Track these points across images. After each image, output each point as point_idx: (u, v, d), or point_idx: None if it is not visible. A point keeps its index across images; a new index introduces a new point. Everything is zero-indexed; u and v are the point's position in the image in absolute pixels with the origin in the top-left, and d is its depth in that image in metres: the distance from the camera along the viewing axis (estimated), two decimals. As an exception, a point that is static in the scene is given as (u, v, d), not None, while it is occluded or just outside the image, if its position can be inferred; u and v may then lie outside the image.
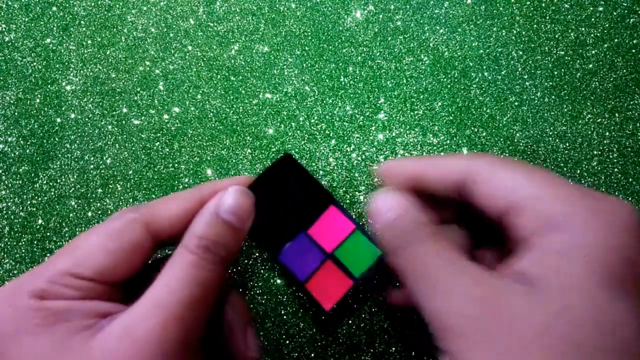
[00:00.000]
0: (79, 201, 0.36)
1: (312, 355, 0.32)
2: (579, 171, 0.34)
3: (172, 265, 0.21)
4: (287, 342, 0.32)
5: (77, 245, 0.22)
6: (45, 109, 0.37)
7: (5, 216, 0.36)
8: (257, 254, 0.33)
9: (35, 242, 0.35)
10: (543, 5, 0.37)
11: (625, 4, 0.36)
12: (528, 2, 0.37)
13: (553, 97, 0.35)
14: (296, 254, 0.29)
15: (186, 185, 0.35)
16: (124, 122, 0.37)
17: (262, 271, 0.33)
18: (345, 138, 0.35)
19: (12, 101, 0.38)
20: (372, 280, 0.32)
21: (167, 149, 0.36)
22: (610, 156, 0.34)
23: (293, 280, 0.29)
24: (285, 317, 0.33)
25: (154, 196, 0.35)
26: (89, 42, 0.38)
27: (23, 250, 0.35)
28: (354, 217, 0.30)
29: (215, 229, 0.22)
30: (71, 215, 0.35)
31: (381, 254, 0.28)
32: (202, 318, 0.21)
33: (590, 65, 0.35)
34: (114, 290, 0.22)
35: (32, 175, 0.36)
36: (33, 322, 0.19)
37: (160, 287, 0.20)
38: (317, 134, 0.35)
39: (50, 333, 0.19)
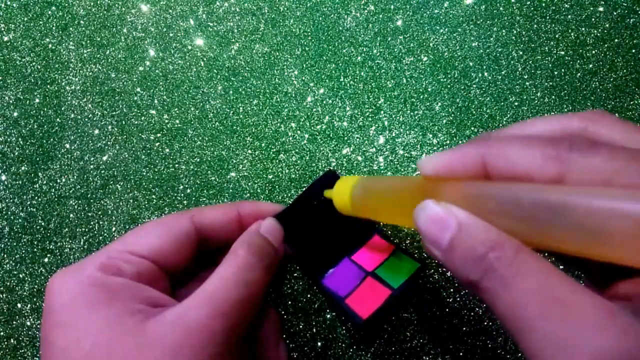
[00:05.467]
0: (79, 201, 0.36)
1: (312, 355, 0.32)
2: (578, 171, 0.34)
3: (224, 266, 0.23)
4: (287, 342, 0.32)
5: (133, 231, 0.25)
6: (45, 109, 0.37)
7: (5, 216, 0.36)
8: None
9: (35, 242, 0.35)
10: (543, 5, 0.36)
11: (625, 4, 0.36)
12: (528, 2, 0.37)
13: (553, 97, 0.35)
14: (339, 276, 0.30)
15: (186, 186, 0.35)
16: (124, 122, 0.37)
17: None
18: (345, 138, 0.35)
19: (11, 101, 0.38)
20: (410, 292, 0.32)
21: (167, 149, 0.36)
22: (610, 156, 0.34)
23: (333, 299, 0.29)
24: (285, 317, 0.33)
25: (154, 196, 0.35)
26: (89, 42, 0.38)
27: (23, 251, 0.35)
28: (391, 237, 0.31)
29: (258, 240, 0.26)
30: (71, 215, 0.35)
31: (419, 266, 0.29)
32: (246, 317, 0.23)
33: (590, 65, 0.35)
34: (165, 281, 0.25)
35: (32, 175, 0.36)
36: (91, 296, 0.21)
37: (212, 284, 0.22)
38: (317, 134, 0.35)
39: (106, 309, 0.21)
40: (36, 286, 0.35)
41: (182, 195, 0.35)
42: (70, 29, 0.38)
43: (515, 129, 0.20)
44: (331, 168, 0.35)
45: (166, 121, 0.36)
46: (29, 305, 0.34)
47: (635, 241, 0.13)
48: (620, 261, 0.14)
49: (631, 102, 0.35)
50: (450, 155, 0.19)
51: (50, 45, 0.38)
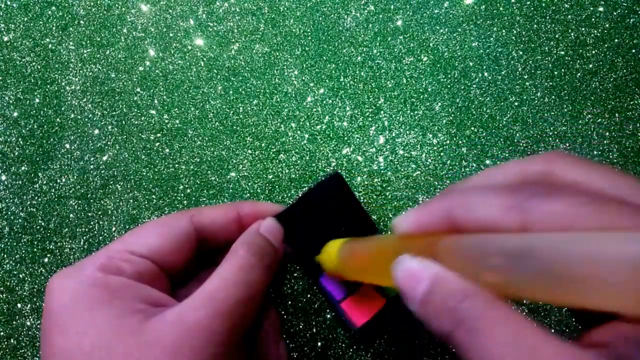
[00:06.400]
0: (79, 201, 0.36)
1: (312, 355, 0.32)
2: (578, 171, 0.34)
3: (224, 267, 0.23)
4: (287, 342, 0.32)
5: (133, 231, 0.25)
6: (45, 109, 0.37)
7: (5, 216, 0.36)
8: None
9: (35, 242, 0.35)
10: (543, 5, 0.36)
11: (625, 4, 0.36)
12: (528, 2, 0.37)
13: (553, 97, 0.35)
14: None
15: (186, 186, 0.35)
16: (124, 122, 0.37)
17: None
18: (345, 138, 0.35)
19: (11, 101, 0.38)
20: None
21: (167, 149, 0.36)
22: (610, 156, 0.34)
23: (330, 300, 0.29)
24: (285, 317, 0.33)
25: (154, 196, 0.35)
26: (89, 42, 0.38)
27: (23, 251, 0.35)
28: None
29: (259, 240, 0.26)
30: (71, 215, 0.35)
31: None
32: (246, 317, 0.23)
33: (590, 65, 0.35)
34: (165, 281, 0.25)
35: (32, 175, 0.36)
36: (91, 296, 0.21)
37: (212, 284, 0.22)
38: (317, 134, 0.35)
39: (106, 309, 0.21)
40: (36, 286, 0.35)
41: (182, 195, 0.35)
42: (70, 29, 0.38)
43: (477, 179, 0.20)
44: (333, 169, 0.35)
45: (166, 121, 0.36)
46: (29, 305, 0.34)
47: (599, 285, 0.13)
48: (589, 306, 0.14)
49: (631, 102, 0.35)
50: (419, 212, 0.19)
51: (50, 45, 0.38)
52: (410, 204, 0.34)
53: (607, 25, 0.36)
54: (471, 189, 0.18)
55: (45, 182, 0.36)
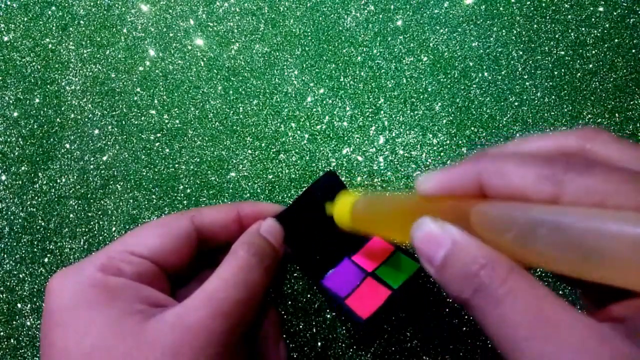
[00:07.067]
0: (79, 201, 0.36)
1: (312, 355, 0.32)
2: (578, 171, 0.34)
3: (224, 267, 0.23)
4: (287, 342, 0.32)
5: (133, 231, 0.25)
6: (45, 109, 0.37)
7: (5, 216, 0.36)
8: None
9: (35, 242, 0.35)
10: (543, 5, 0.36)
11: (625, 4, 0.36)
12: (528, 2, 0.37)
13: (553, 97, 0.35)
14: (338, 277, 0.30)
15: (186, 186, 0.35)
16: (124, 122, 0.37)
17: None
18: (345, 138, 0.35)
19: (11, 101, 0.38)
20: (410, 293, 0.32)
21: (167, 149, 0.36)
22: (610, 156, 0.34)
23: (333, 300, 0.29)
24: (285, 317, 0.33)
25: (154, 196, 0.35)
26: (89, 42, 0.38)
27: (23, 251, 0.35)
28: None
29: (259, 240, 0.26)
30: (71, 215, 0.35)
31: (419, 267, 0.29)
32: (246, 318, 0.23)
33: (590, 65, 0.35)
34: (165, 282, 0.25)
35: (32, 175, 0.36)
36: (91, 297, 0.21)
37: (212, 285, 0.22)
38: (317, 134, 0.35)
39: (106, 310, 0.21)
40: (36, 286, 0.35)
41: (182, 195, 0.35)
42: (70, 29, 0.38)
43: (512, 147, 0.20)
44: (331, 169, 0.35)
45: (166, 121, 0.36)
46: (29, 305, 0.34)
47: (626, 263, 0.13)
48: (612, 282, 0.14)
49: (631, 102, 0.35)
50: (447, 173, 0.19)
51: (50, 45, 0.38)
52: (410, 204, 0.34)
53: (607, 25, 0.36)
54: (505, 155, 0.18)
55: (45, 182, 0.36)
